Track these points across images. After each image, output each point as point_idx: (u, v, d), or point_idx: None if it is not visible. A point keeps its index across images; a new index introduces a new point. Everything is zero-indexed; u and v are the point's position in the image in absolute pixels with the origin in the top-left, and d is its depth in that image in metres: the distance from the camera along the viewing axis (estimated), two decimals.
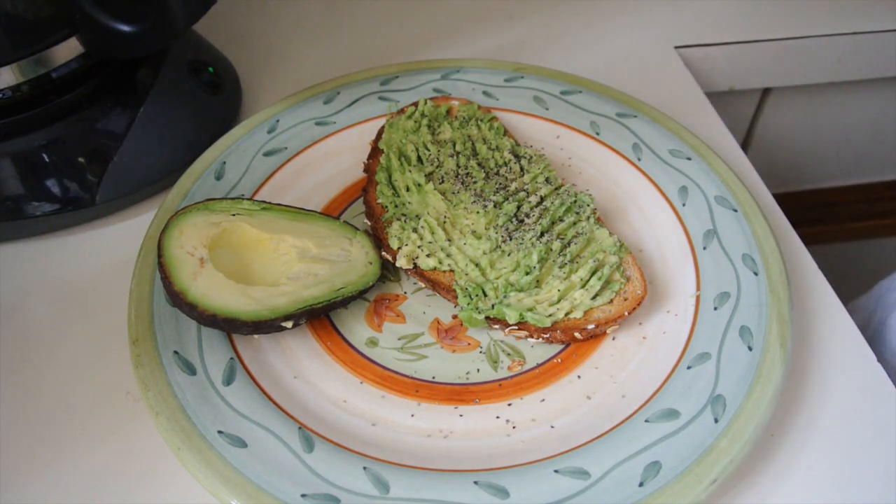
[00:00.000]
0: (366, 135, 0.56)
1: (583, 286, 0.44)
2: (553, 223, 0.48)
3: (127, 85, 0.55)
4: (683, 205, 0.50)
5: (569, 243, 0.46)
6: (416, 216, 0.48)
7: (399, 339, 0.45)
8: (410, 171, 0.51)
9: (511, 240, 0.46)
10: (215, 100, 0.59)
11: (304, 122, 0.56)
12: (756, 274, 0.46)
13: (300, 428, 0.40)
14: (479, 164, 0.51)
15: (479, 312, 0.44)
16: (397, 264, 0.46)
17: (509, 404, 0.42)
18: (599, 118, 0.57)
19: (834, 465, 0.41)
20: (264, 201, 0.48)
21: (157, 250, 0.42)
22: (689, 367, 0.42)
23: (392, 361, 0.44)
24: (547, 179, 0.50)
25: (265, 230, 0.45)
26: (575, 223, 0.48)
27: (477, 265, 0.46)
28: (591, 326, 0.43)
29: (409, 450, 0.40)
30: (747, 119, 0.82)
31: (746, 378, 0.41)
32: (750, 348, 0.42)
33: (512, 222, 0.47)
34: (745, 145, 0.84)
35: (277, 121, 0.56)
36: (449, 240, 0.47)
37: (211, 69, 0.60)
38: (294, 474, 0.38)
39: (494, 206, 0.48)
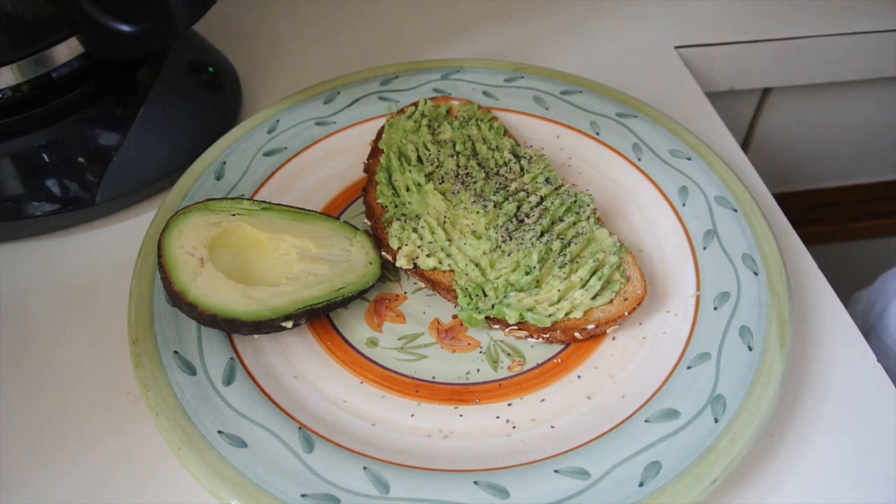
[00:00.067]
0: (366, 135, 0.56)
1: (583, 286, 0.44)
2: (553, 223, 0.48)
3: (127, 85, 0.55)
4: (683, 205, 0.50)
5: (569, 243, 0.46)
6: (416, 216, 0.48)
7: (399, 339, 0.45)
8: (410, 171, 0.51)
9: (511, 240, 0.46)
10: (215, 100, 0.59)
11: (304, 122, 0.56)
12: (756, 274, 0.46)
13: (300, 428, 0.40)
14: (479, 164, 0.51)
15: (479, 312, 0.44)
16: (397, 264, 0.46)
17: (509, 404, 0.42)
18: (599, 118, 0.57)
19: (834, 465, 0.41)
20: (264, 201, 0.48)
21: (157, 250, 0.42)
22: (689, 367, 0.42)
23: (392, 361, 0.44)
24: (547, 179, 0.50)
25: (265, 230, 0.45)
26: (575, 223, 0.48)
27: (477, 265, 0.46)
28: (591, 326, 0.43)
29: (409, 450, 0.40)
30: (747, 119, 0.82)
31: (746, 378, 0.41)
32: (750, 348, 0.42)
33: (512, 222, 0.47)
34: (745, 145, 0.84)
35: (277, 121, 0.56)
36: (449, 240, 0.47)
37: (211, 69, 0.60)
38: (294, 474, 0.38)
39: (494, 206, 0.48)
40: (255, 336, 0.44)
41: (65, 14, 0.48)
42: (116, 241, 0.53)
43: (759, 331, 0.43)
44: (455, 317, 0.47)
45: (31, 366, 0.46)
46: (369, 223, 0.50)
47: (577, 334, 0.43)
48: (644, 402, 0.41)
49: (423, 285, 0.47)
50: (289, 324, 0.43)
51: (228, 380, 0.42)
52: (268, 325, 0.42)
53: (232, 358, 0.43)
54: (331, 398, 0.42)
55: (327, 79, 0.60)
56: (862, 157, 0.88)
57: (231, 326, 0.41)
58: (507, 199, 0.48)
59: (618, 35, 0.71)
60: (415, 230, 0.47)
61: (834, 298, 0.49)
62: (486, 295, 0.44)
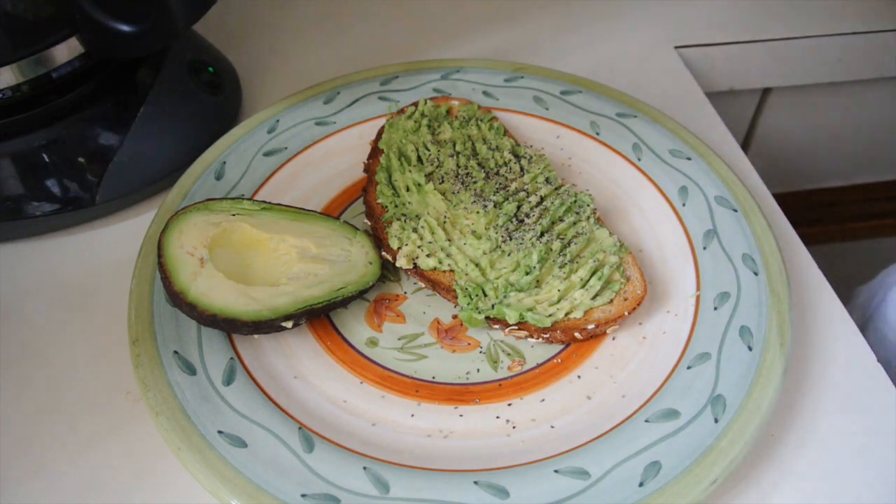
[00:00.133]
0: (366, 135, 0.56)
1: (583, 286, 0.44)
2: (553, 223, 0.48)
3: (127, 85, 0.55)
4: (683, 205, 0.50)
5: (569, 243, 0.46)
6: (416, 216, 0.48)
7: (399, 339, 0.45)
8: (410, 171, 0.51)
9: (511, 240, 0.46)
10: (215, 100, 0.59)
11: (304, 122, 0.56)
12: (756, 274, 0.46)
13: (300, 428, 0.40)
14: (479, 164, 0.51)
15: (479, 312, 0.44)
16: (397, 264, 0.46)
17: (509, 404, 0.42)
18: (599, 118, 0.57)
19: (834, 465, 0.41)
20: (264, 201, 0.48)
21: (157, 250, 0.42)
22: (689, 367, 0.42)
23: (392, 361, 0.44)
24: (547, 179, 0.50)
25: (265, 230, 0.45)
26: (575, 223, 0.48)
27: (477, 265, 0.46)
28: (591, 326, 0.43)
29: (409, 450, 0.40)
30: (747, 119, 0.82)
31: (746, 378, 0.41)
32: (750, 348, 0.42)
33: (512, 222, 0.47)
34: (745, 145, 0.84)
35: (277, 121, 0.56)
36: (449, 240, 0.47)
37: (211, 69, 0.60)
38: (294, 474, 0.38)
39: (494, 206, 0.48)
40: (255, 336, 0.44)
41: (65, 14, 0.48)
42: (116, 241, 0.53)
43: (759, 331, 0.43)
44: (455, 317, 0.47)
45: (31, 365, 0.46)
46: (369, 223, 0.50)
47: (577, 334, 0.43)
48: (644, 402, 0.41)
49: (423, 285, 0.47)
50: (289, 324, 0.43)
51: (228, 380, 0.42)
52: (268, 325, 0.42)
53: (232, 358, 0.43)
54: (331, 398, 0.42)
55: (327, 79, 0.60)
56: (862, 157, 0.88)
57: (231, 326, 0.41)
58: (507, 199, 0.48)
59: (618, 35, 0.71)
60: (415, 230, 0.47)
61: (834, 298, 0.49)
62: (486, 295, 0.44)
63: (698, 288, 0.46)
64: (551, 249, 0.46)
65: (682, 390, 0.41)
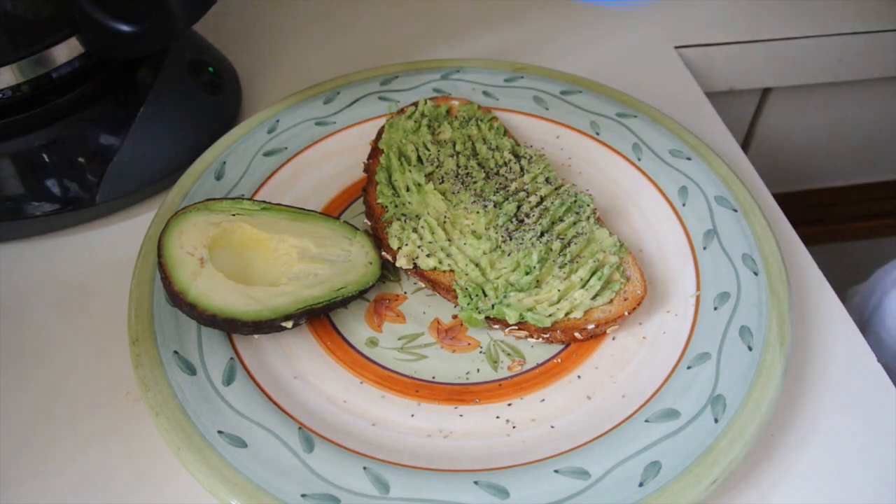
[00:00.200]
0: (366, 135, 0.56)
1: (583, 286, 0.44)
2: (553, 223, 0.48)
3: (127, 85, 0.55)
4: (683, 205, 0.50)
5: (569, 243, 0.46)
6: (416, 216, 0.48)
7: (399, 339, 0.45)
8: (410, 171, 0.51)
9: (511, 240, 0.46)
10: (215, 100, 0.59)
11: (304, 122, 0.56)
12: (756, 274, 0.46)
13: (300, 428, 0.40)
14: (479, 164, 0.51)
15: (479, 312, 0.44)
16: (397, 264, 0.46)
17: (509, 404, 0.42)
18: (599, 118, 0.57)
19: (834, 465, 0.41)
20: (264, 201, 0.48)
21: (157, 250, 0.42)
22: (689, 367, 0.42)
23: (392, 361, 0.44)
24: (547, 179, 0.50)
25: (265, 230, 0.45)
26: (575, 223, 0.48)
27: (477, 265, 0.46)
28: (591, 326, 0.43)
29: (409, 450, 0.40)
30: (747, 119, 0.82)
31: (746, 378, 0.41)
32: (750, 348, 0.42)
33: (512, 222, 0.47)
34: (745, 145, 0.84)
35: (277, 121, 0.56)
36: (449, 240, 0.47)
37: (211, 69, 0.60)
38: (294, 474, 0.38)
39: (494, 206, 0.48)
40: (255, 336, 0.44)
41: (65, 14, 0.48)
42: (116, 241, 0.53)
43: (759, 331, 0.43)
44: (455, 317, 0.47)
45: (31, 365, 0.46)
46: (369, 223, 0.50)
47: (577, 334, 0.43)
48: (644, 402, 0.41)
49: (423, 285, 0.47)
50: (289, 324, 0.43)
51: (228, 380, 0.42)
52: (268, 325, 0.42)
53: (232, 358, 0.43)
54: (331, 398, 0.42)
55: (327, 79, 0.60)
56: (862, 157, 0.88)
57: (231, 326, 0.41)
58: (507, 199, 0.48)
59: (618, 35, 0.71)
60: (415, 230, 0.47)
61: (834, 298, 0.49)
62: (486, 295, 0.44)
63: (698, 288, 0.46)
64: (551, 249, 0.46)
65: (682, 390, 0.41)
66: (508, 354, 0.45)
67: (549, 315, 0.43)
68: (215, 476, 0.37)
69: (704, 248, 0.48)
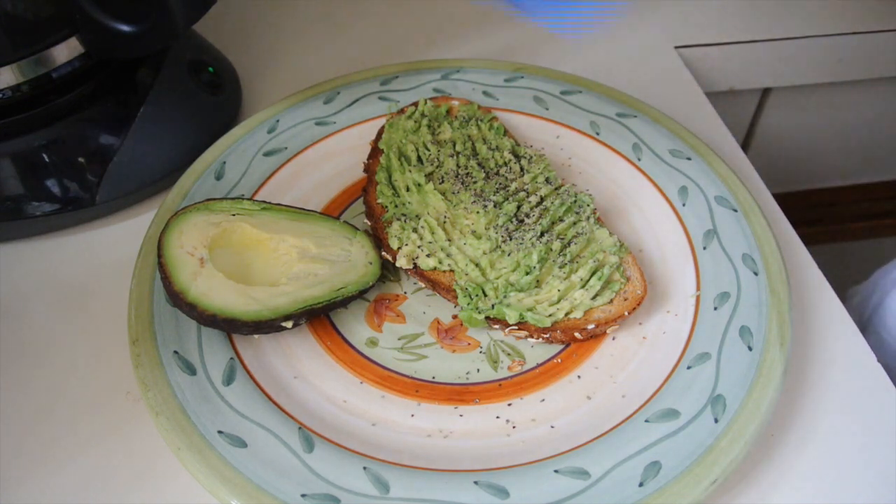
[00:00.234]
0: (366, 135, 0.56)
1: (583, 286, 0.44)
2: (553, 223, 0.48)
3: (127, 85, 0.55)
4: (683, 205, 0.50)
5: (569, 243, 0.46)
6: (416, 216, 0.48)
7: (399, 339, 0.45)
8: (410, 171, 0.51)
9: (511, 240, 0.46)
10: (215, 100, 0.59)
11: (304, 122, 0.56)
12: (756, 274, 0.46)
13: (300, 428, 0.40)
14: (479, 164, 0.51)
15: (479, 312, 0.44)
16: (397, 264, 0.46)
17: (509, 404, 0.42)
18: (599, 118, 0.57)
19: (834, 465, 0.41)
20: (264, 201, 0.48)
21: (157, 250, 0.42)
22: (689, 367, 0.42)
23: (392, 361, 0.44)
24: (547, 179, 0.50)
25: (265, 230, 0.45)
26: (575, 223, 0.48)
27: (477, 265, 0.46)
28: (591, 326, 0.43)
29: (409, 450, 0.40)
30: (747, 119, 0.82)
31: (746, 378, 0.41)
32: (750, 348, 0.42)
33: (512, 222, 0.47)
34: (745, 145, 0.84)
35: (277, 121, 0.56)
36: (449, 240, 0.47)
37: (211, 69, 0.60)
38: (294, 474, 0.38)
39: (494, 206, 0.48)
40: (255, 336, 0.44)
41: (65, 14, 0.48)
42: (116, 241, 0.53)
43: (759, 331, 0.43)
44: (455, 317, 0.47)
45: (31, 366, 0.46)
46: (369, 223, 0.50)
47: (577, 334, 0.43)
48: (644, 402, 0.41)
49: (423, 285, 0.47)
50: (289, 324, 0.43)
51: (228, 380, 0.42)
52: (268, 325, 0.42)
53: (232, 358, 0.43)
54: (331, 398, 0.42)
55: (327, 79, 0.60)
56: (862, 157, 0.88)
57: (231, 326, 0.41)
58: (507, 199, 0.48)
59: (618, 35, 0.71)
60: (415, 230, 0.47)
61: (834, 298, 0.49)
62: (486, 295, 0.44)
63: (698, 288, 0.46)
64: (551, 249, 0.46)
65: (682, 390, 0.41)
66: (508, 354, 0.45)
67: (549, 315, 0.43)
68: (215, 476, 0.37)
69: (704, 248, 0.48)
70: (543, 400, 0.42)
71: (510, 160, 0.51)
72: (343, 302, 0.45)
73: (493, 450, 0.40)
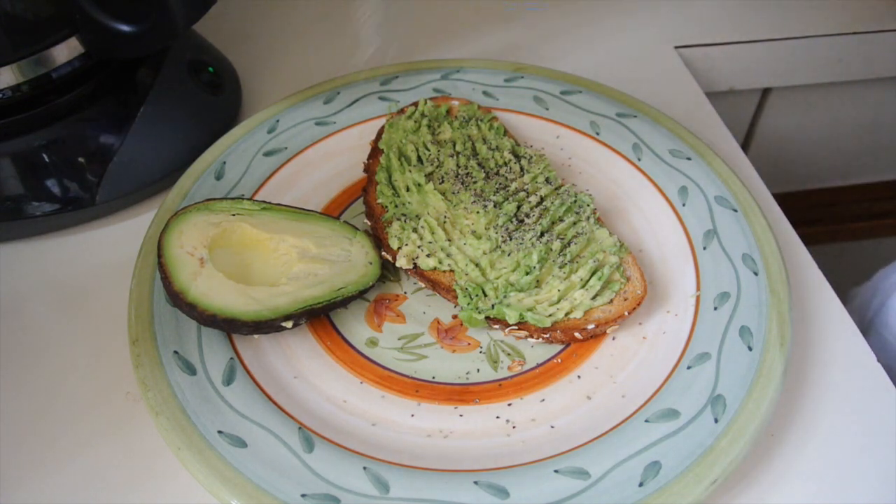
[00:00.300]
0: (366, 135, 0.56)
1: (583, 286, 0.44)
2: (553, 223, 0.48)
3: (127, 85, 0.55)
4: (683, 205, 0.50)
5: (569, 243, 0.46)
6: (416, 216, 0.48)
7: (399, 339, 0.45)
8: (410, 171, 0.51)
9: (511, 240, 0.46)
10: (215, 100, 0.59)
11: (304, 122, 0.56)
12: (756, 274, 0.46)
13: (300, 428, 0.40)
14: (479, 164, 0.51)
15: (479, 312, 0.44)
16: (397, 264, 0.46)
17: (509, 404, 0.42)
18: (599, 118, 0.57)
19: (834, 465, 0.41)
20: (264, 201, 0.48)
21: (157, 250, 0.42)
22: (689, 367, 0.42)
23: (392, 361, 0.44)
24: (547, 179, 0.50)
25: (265, 230, 0.45)
26: (575, 223, 0.48)
27: (477, 265, 0.46)
28: (591, 326, 0.43)
29: (409, 450, 0.40)
30: (747, 119, 0.82)
31: (746, 378, 0.41)
32: (750, 348, 0.42)
33: (512, 222, 0.47)
34: (745, 145, 0.84)
35: (277, 121, 0.56)
36: (449, 240, 0.47)
37: (211, 69, 0.60)
38: (294, 474, 0.38)
39: (494, 206, 0.48)
40: (255, 336, 0.44)
41: (65, 14, 0.48)
42: (116, 241, 0.53)
43: (759, 331, 0.43)
44: (455, 317, 0.47)
45: (31, 366, 0.46)
46: (369, 223, 0.50)
47: (577, 334, 0.43)
48: (644, 402, 0.41)
49: (423, 285, 0.47)
50: (289, 324, 0.43)
51: (228, 380, 0.42)
52: (268, 325, 0.42)
53: (232, 358, 0.43)
54: (331, 398, 0.42)
55: (327, 79, 0.60)
56: (862, 157, 0.88)
57: (231, 326, 0.41)
58: (507, 199, 0.48)
59: (618, 35, 0.71)
60: (415, 230, 0.47)
61: (834, 298, 0.49)
62: (486, 295, 0.44)
63: (698, 288, 0.46)
64: (551, 249, 0.46)
65: (682, 390, 0.41)
66: (508, 354, 0.45)
67: (549, 315, 0.43)
68: (215, 476, 0.37)
69: (704, 248, 0.48)
70: (543, 400, 0.42)
71: (510, 160, 0.51)
72: (343, 302, 0.45)
73: (493, 450, 0.40)
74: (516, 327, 0.44)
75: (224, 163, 0.53)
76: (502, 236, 0.46)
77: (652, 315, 0.46)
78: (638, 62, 0.68)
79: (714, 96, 0.69)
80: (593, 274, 0.45)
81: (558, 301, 0.44)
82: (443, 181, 0.50)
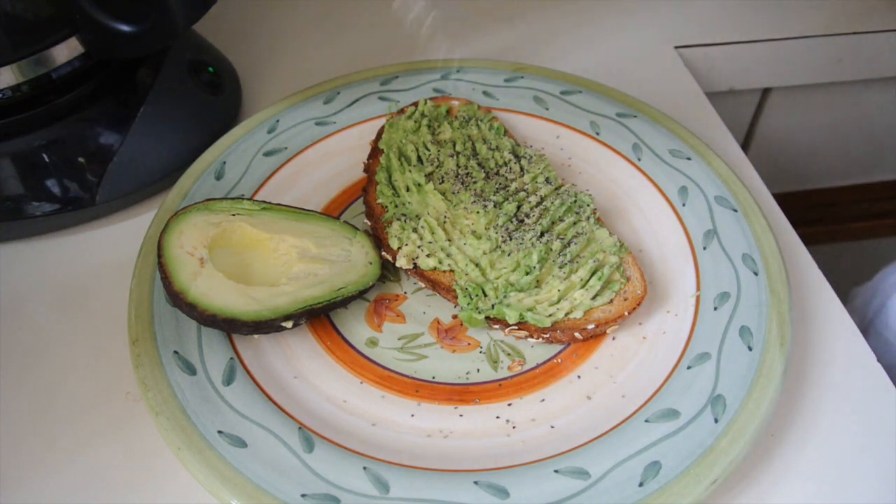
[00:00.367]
0: (366, 135, 0.56)
1: (583, 286, 0.44)
2: (553, 223, 0.48)
3: (127, 85, 0.55)
4: (683, 205, 0.50)
5: (569, 243, 0.46)
6: (416, 216, 0.48)
7: (399, 339, 0.45)
8: (410, 171, 0.51)
9: (511, 240, 0.46)
10: (215, 100, 0.59)
11: (304, 122, 0.56)
12: (756, 274, 0.46)
13: (300, 428, 0.40)
14: (479, 164, 0.51)
15: (479, 312, 0.44)
16: (397, 264, 0.46)
17: (509, 404, 0.42)
18: (599, 118, 0.57)
19: (834, 465, 0.41)
20: (264, 201, 0.48)
21: (157, 250, 0.42)
22: (689, 367, 0.42)
23: (392, 361, 0.44)
24: (547, 179, 0.50)
25: (265, 230, 0.45)
26: (575, 223, 0.48)
27: (477, 265, 0.46)
28: (591, 326, 0.43)
29: (409, 450, 0.40)
30: (747, 119, 0.82)
31: (746, 378, 0.41)
32: (750, 348, 0.42)
33: (512, 222, 0.47)
34: (745, 145, 0.84)
35: (277, 121, 0.56)
36: (449, 240, 0.47)
37: (211, 69, 0.60)
38: (294, 474, 0.38)
39: (494, 206, 0.48)
40: (255, 336, 0.44)
41: (65, 14, 0.48)
42: (116, 241, 0.53)
43: (759, 331, 0.43)
44: (455, 317, 0.47)
45: (31, 366, 0.46)
46: (369, 223, 0.50)
47: (577, 334, 0.43)
48: (644, 402, 0.41)
49: (423, 285, 0.47)
50: (289, 324, 0.43)
51: (228, 380, 0.42)
52: (268, 325, 0.42)
53: (232, 358, 0.43)
54: (331, 398, 0.42)
55: (327, 79, 0.60)
56: (862, 157, 0.88)
57: (231, 326, 0.41)
58: (507, 199, 0.48)
59: (618, 35, 0.71)
60: (415, 230, 0.47)
61: (834, 298, 0.49)
62: (486, 295, 0.44)
63: (698, 288, 0.46)
64: (551, 249, 0.46)
65: (682, 390, 0.41)
66: (508, 354, 0.45)
67: (549, 315, 0.43)
68: (215, 476, 0.37)
69: (704, 248, 0.48)
70: (543, 400, 0.42)
71: (510, 160, 0.51)
72: (343, 302, 0.45)
73: (493, 450, 0.40)
74: (516, 327, 0.44)
75: (224, 163, 0.53)
76: (502, 236, 0.46)
77: (652, 315, 0.46)
78: (638, 62, 0.68)
79: (714, 96, 0.69)
80: (593, 274, 0.45)
81: (558, 301, 0.44)
82: (443, 181, 0.50)
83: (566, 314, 0.43)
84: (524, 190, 0.49)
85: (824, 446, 0.41)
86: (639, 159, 0.54)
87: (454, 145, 0.53)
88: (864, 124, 0.84)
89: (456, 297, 0.45)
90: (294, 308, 0.43)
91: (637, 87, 0.62)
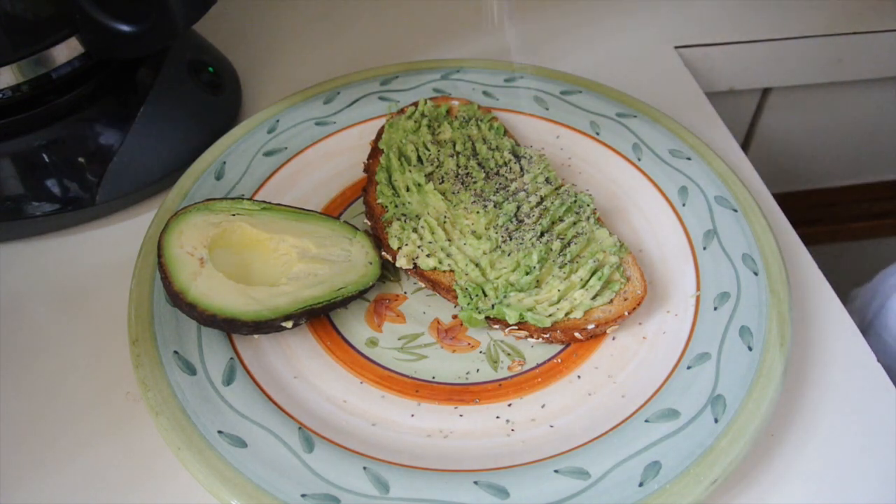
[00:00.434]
0: (366, 135, 0.56)
1: (583, 286, 0.44)
2: (553, 223, 0.48)
3: (127, 85, 0.55)
4: (683, 205, 0.50)
5: (569, 243, 0.46)
6: (416, 216, 0.48)
7: (399, 339, 0.45)
8: (410, 171, 0.51)
9: (511, 240, 0.46)
10: (215, 100, 0.59)
11: (304, 122, 0.56)
12: (756, 274, 0.46)
13: (300, 428, 0.40)
14: (479, 164, 0.51)
15: (479, 312, 0.44)
16: (397, 264, 0.46)
17: (509, 404, 0.42)
18: (599, 118, 0.57)
19: (834, 465, 0.41)
20: (264, 201, 0.48)
21: (157, 250, 0.42)
22: (689, 367, 0.42)
23: (392, 361, 0.44)
24: (547, 179, 0.50)
25: (265, 230, 0.45)
26: (575, 223, 0.48)
27: (477, 265, 0.46)
28: (591, 326, 0.43)
29: (409, 450, 0.40)
30: (747, 119, 0.82)
31: (746, 378, 0.41)
32: (750, 348, 0.42)
33: (512, 222, 0.47)
34: (745, 145, 0.84)
35: (277, 121, 0.56)
36: (449, 240, 0.47)
37: (211, 69, 0.60)
38: (294, 474, 0.38)
39: (494, 206, 0.48)
40: (255, 336, 0.44)
41: (65, 14, 0.48)
42: (116, 241, 0.53)
43: (759, 331, 0.43)
44: (455, 317, 0.47)
45: (31, 366, 0.46)
46: (369, 223, 0.50)
47: (577, 334, 0.43)
48: (644, 402, 0.41)
49: (423, 285, 0.47)
50: (289, 324, 0.43)
51: (228, 380, 0.42)
52: (268, 325, 0.42)
53: (232, 358, 0.43)
54: (331, 398, 0.42)
55: (327, 79, 0.60)
56: (862, 157, 0.88)
57: (231, 326, 0.41)
58: (507, 199, 0.48)
59: (618, 35, 0.71)
60: (415, 230, 0.47)
61: (834, 298, 0.49)
62: (486, 295, 0.44)
63: (698, 288, 0.46)
64: (551, 249, 0.46)
65: (682, 390, 0.41)
66: (508, 354, 0.45)
67: (549, 315, 0.43)
68: (215, 476, 0.37)
69: (704, 248, 0.48)
70: (543, 400, 0.42)
71: (510, 160, 0.51)
72: (343, 302, 0.45)
73: (493, 450, 0.40)
74: (516, 327, 0.44)
75: (224, 163, 0.53)
76: (502, 236, 0.46)
77: (652, 315, 0.46)
78: (638, 62, 0.68)
79: (714, 96, 0.69)
80: (593, 274, 0.45)
81: (558, 301, 0.44)
82: (443, 181, 0.50)
83: (566, 314, 0.43)
84: (524, 190, 0.49)
85: (824, 446, 0.41)
86: (639, 159, 0.54)
87: (454, 145, 0.53)
88: (864, 124, 0.84)
89: (456, 297, 0.45)
90: (294, 308, 0.43)
91: (637, 87, 0.62)
